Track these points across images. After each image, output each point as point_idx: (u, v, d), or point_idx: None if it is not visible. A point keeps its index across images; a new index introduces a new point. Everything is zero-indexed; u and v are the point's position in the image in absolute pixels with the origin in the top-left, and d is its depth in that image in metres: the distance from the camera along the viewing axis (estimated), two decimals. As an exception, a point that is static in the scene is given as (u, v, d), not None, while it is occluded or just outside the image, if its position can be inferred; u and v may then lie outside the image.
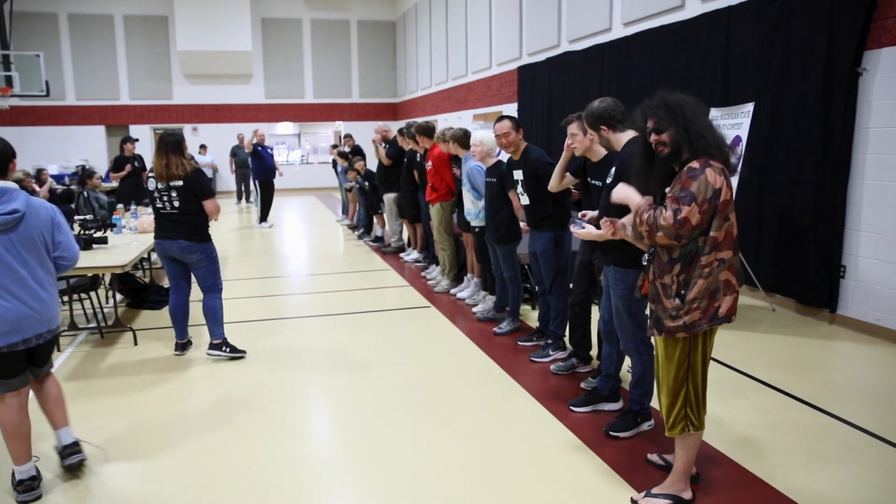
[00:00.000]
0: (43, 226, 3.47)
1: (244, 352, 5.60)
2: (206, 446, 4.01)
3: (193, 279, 5.64)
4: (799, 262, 6.52)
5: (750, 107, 6.61)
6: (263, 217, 14.13)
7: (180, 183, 5.24)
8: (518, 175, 5.35)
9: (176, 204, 5.28)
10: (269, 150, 14.05)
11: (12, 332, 3.35)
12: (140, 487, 3.57)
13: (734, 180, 6.39)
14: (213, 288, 5.47)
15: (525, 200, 5.29)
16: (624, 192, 3.17)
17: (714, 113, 6.95)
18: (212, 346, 5.57)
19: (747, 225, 7.01)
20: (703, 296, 2.99)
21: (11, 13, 16.42)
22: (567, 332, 5.24)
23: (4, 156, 3.46)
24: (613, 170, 3.81)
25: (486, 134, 5.99)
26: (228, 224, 14.62)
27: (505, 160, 5.89)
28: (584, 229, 3.49)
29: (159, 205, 5.34)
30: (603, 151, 4.27)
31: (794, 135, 6.50)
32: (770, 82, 6.77)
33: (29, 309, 3.39)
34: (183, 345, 5.70)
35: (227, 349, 5.55)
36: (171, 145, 5.28)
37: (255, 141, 13.90)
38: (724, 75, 7.40)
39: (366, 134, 23.13)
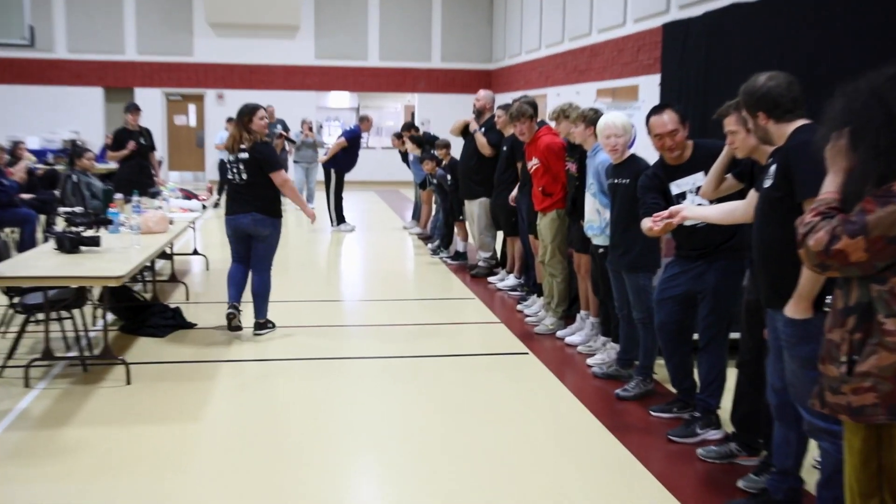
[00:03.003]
0: None
1: (274, 325, 7.58)
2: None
3: None
4: None
5: None
6: (339, 215, 14.78)
7: (245, 155, 7.09)
8: (691, 183, 5.22)
9: (244, 176, 7.13)
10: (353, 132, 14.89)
11: None
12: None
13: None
14: (268, 266, 7.38)
15: (704, 209, 5.14)
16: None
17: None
18: (259, 326, 7.46)
19: None
20: (887, 375, 2.82)
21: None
22: (713, 397, 5.21)
23: None
24: (773, 168, 3.79)
25: (625, 118, 5.98)
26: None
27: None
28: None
29: (230, 175, 7.24)
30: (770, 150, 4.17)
31: None
32: None
33: None
34: (234, 310, 7.34)
35: (272, 324, 7.57)
36: (238, 115, 7.21)
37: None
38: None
39: (447, 113, 23.32)
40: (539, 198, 7.71)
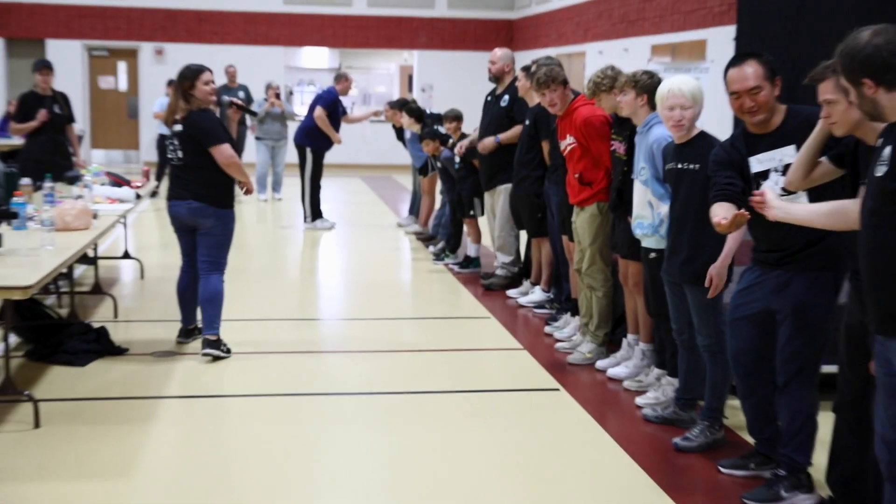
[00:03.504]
0: None
1: (230, 351, 7.60)
2: None
3: None
4: None
5: None
6: (315, 209, 14.73)
7: (179, 128, 7.31)
8: (777, 159, 5.16)
9: (180, 154, 7.38)
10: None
11: None
12: None
13: None
14: (216, 266, 7.52)
15: (802, 208, 5.09)
16: None
17: None
18: (209, 344, 7.48)
19: None
20: None
21: None
22: (800, 452, 5.15)
23: None
24: (887, 150, 3.77)
25: (695, 83, 5.92)
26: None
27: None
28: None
29: (170, 155, 7.48)
30: (880, 127, 4.15)
31: None
32: None
33: None
34: (189, 331, 7.84)
35: (225, 348, 7.58)
36: (178, 79, 7.36)
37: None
38: None
39: (454, 77, 23.32)
40: (575, 188, 7.69)
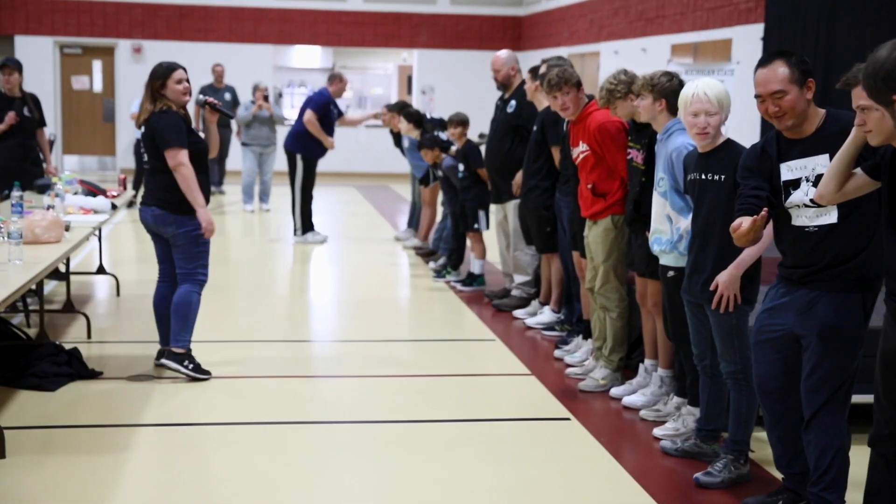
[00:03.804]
0: None
1: (209, 373, 7.64)
2: None
3: None
4: None
5: None
6: (306, 221, 14.69)
7: (142, 129, 7.57)
8: (810, 168, 5.15)
9: (145, 157, 7.65)
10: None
11: None
12: None
13: None
14: (190, 277, 7.67)
15: (830, 218, 5.10)
16: None
17: None
18: (170, 356, 7.63)
19: None
20: None
21: None
22: (831, 490, 5.12)
23: None
24: None
25: (721, 87, 5.90)
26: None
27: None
28: None
29: (145, 158, 7.73)
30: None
31: None
32: None
33: None
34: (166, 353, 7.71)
35: (190, 365, 7.63)
36: (149, 78, 7.59)
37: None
38: None
39: (457, 78, 23.33)
40: (588, 199, 7.70)
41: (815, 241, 5.03)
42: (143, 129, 7.58)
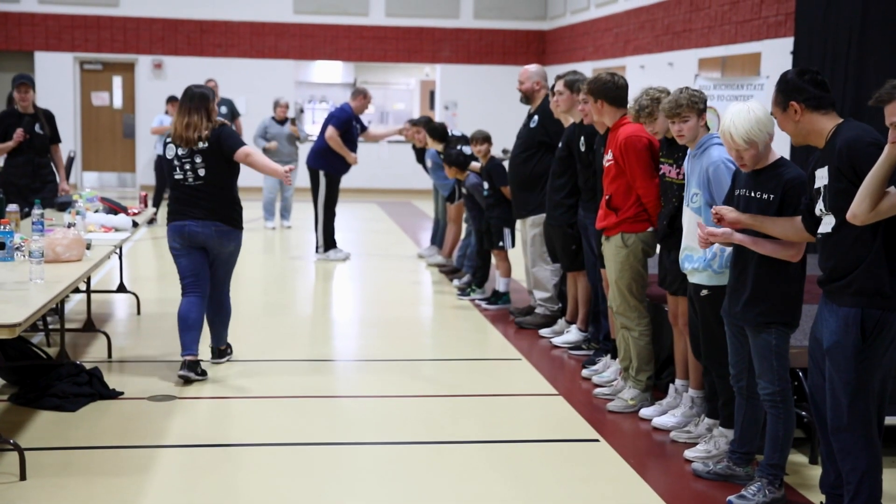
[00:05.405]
0: None
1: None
2: None
3: None
4: None
5: None
6: (329, 238, 14.73)
7: (205, 145, 7.93)
8: (822, 177, 5.14)
9: (201, 173, 7.99)
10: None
11: None
12: None
13: None
14: (226, 287, 8.52)
15: (825, 227, 5.13)
16: None
17: None
18: (220, 354, 8.67)
19: None
20: None
21: None
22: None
23: None
24: None
25: (748, 121, 5.70)
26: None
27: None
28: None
29: (179, 175, 8.05)
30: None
31: None
32: None
33: None
34: (192, 364, 8.03)
35: (231, 351, 8.80)
36: (195, 100, 7.99)
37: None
38: None
39: (481, 93, 23.35)
40: (603, 210, 7.71)
41: (829, 247, 5.12)
42: (201, 143, 7.94)
